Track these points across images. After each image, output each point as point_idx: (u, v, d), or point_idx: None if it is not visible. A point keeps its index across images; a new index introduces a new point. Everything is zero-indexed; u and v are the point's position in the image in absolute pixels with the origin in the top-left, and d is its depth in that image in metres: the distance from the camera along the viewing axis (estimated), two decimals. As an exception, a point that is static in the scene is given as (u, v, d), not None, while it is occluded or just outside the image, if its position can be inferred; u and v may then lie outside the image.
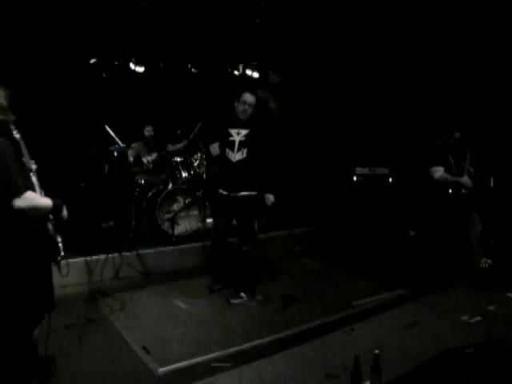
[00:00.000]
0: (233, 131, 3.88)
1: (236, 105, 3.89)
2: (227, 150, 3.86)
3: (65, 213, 2.35)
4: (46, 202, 2.19)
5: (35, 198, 2.13)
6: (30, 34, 5.28)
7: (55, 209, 2.23)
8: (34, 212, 2.13)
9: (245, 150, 3.81)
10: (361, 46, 6.23)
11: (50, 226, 2.29)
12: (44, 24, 5.29)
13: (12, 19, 5.07)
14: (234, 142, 3.84)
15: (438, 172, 4.59)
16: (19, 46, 5.27)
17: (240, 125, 3.89)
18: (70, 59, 5.76)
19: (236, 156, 3.81)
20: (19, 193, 2.02)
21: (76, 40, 5.63)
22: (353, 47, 6.31)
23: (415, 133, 5.55)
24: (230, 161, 3.84)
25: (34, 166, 2.26)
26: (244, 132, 3.85)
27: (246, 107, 3.83)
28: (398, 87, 6.00)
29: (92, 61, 6.05)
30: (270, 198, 3.94)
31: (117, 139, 5.70)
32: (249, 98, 3.84)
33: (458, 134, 4.69)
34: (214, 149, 3.88)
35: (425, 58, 5.71)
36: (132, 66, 6.58)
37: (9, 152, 2.04)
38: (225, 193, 3.89)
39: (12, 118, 2.20)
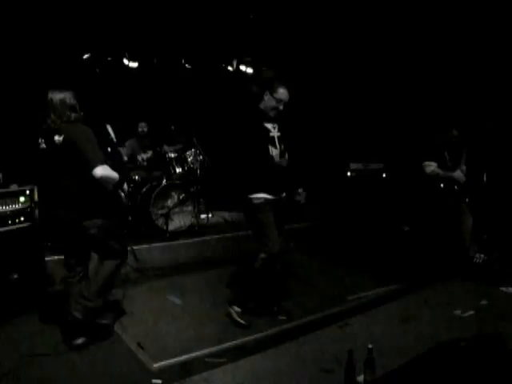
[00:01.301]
0: (269, 126, 3.43)
1: (268, 99, 3.39)
2: (270, 148, 3.38)
3: (125, 187, 3.26)
4: (116, 174, 2.84)
5: (110, 170, 2.81)
6: (24, 30, 5.24)
7: (120, 182, 2.90)
8: (107, 180, 2.80)
9: (283, 146, 3.47)
10: (358, 41, 6.21)
11: (122, 194, 3.19)
12: (37, 20, 5.24)
13: (6, 14, 5.03)
14: (273, 138, 3.42)
15: (430, 167, 4.64)
16: (11, 41, 5.23)
17: (271, 119, 3.45)
18: (64, 55, 5.71)
19: (280, 153, 3.44)
20: (101, 163, 2.74)
21: (69, 35, 5.59)
22: (350, 42, 6.30)
23: (410, 128, 5.56)
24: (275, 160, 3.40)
25: None
26: (277, 126, 3.49)
27: (281, 107, 3.39)
28: (395, 84, 6.01)
29: (85, 56, 6.01)
30: (302, 192, 3.71)
31: (112, 135, 5.66)
32: (286, 95, 3.38)
33: (455, 132, 4.74)
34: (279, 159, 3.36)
35: (423, 55, 5.71)
36: (126, 61, 6.55)
37: (93, 136, 2.83)
38: (271, 197, 3.39)
39: (81, 113, 2.91)
